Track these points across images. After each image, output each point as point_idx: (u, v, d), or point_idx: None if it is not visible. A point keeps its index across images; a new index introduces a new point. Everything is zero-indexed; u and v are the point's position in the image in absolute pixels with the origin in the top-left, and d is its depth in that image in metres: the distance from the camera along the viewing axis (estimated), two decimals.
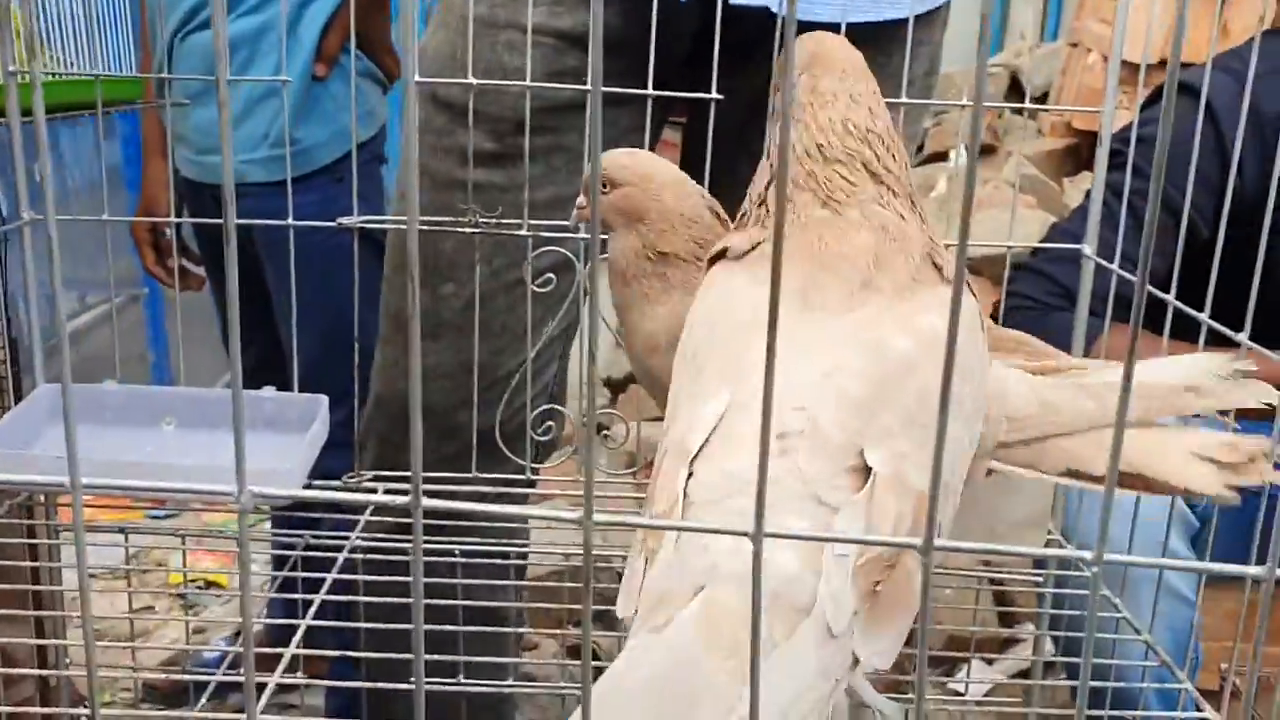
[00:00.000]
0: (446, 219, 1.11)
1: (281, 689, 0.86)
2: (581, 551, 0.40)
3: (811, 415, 0.62)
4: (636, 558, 0.61)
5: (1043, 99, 3.59)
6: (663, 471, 0.63)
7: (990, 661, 2.05)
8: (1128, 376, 0.42)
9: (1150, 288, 0.90)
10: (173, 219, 1.36)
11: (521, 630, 1.37)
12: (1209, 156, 1.37)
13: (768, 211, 0.76)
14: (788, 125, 0.37)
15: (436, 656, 0.98)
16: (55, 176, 2.35)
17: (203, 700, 0.91)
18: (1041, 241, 1.56)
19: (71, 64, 1.46)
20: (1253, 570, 0.42)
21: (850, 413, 0.62)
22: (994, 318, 1.56)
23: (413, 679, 0.97)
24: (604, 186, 0.96)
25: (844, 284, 0.68)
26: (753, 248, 0.74)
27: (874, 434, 0.62)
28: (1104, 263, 1.07)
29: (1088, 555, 0.43)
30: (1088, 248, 1.09)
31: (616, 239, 0.98)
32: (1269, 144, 1.41)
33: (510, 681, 1.15)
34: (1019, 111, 3.39)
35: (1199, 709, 0.89)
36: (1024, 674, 1.94)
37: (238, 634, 2.09)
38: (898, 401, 0.63)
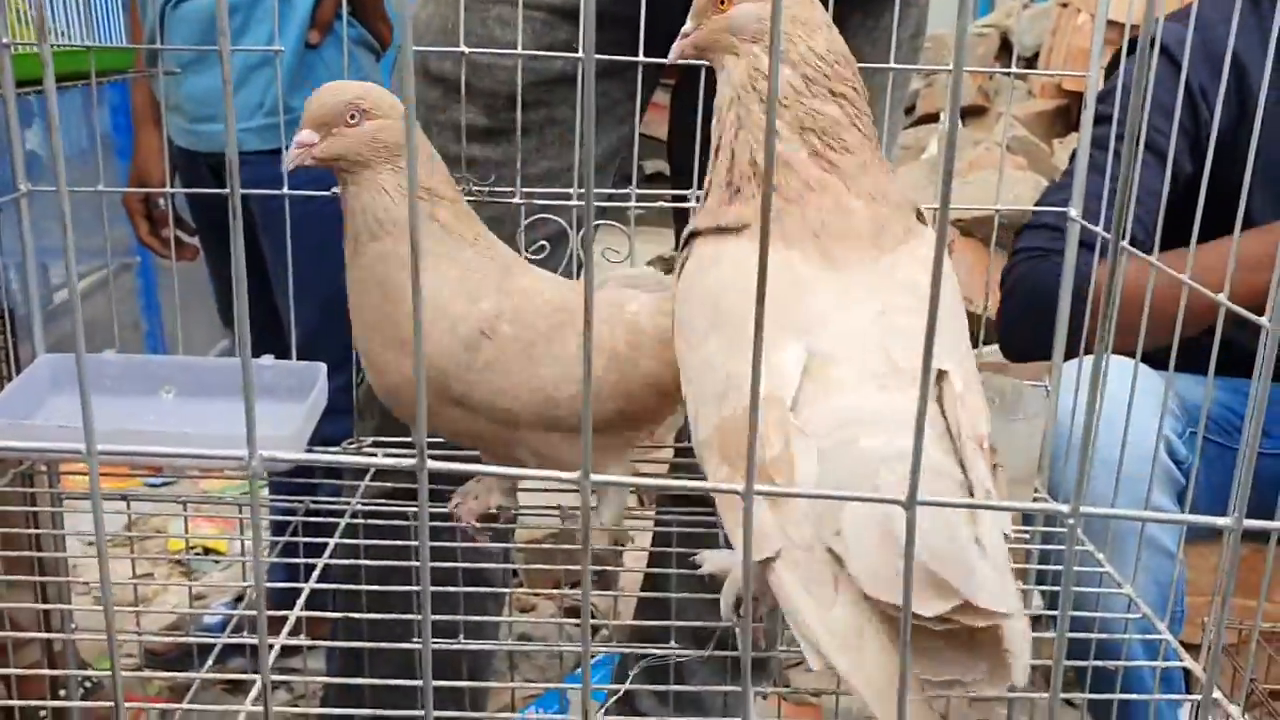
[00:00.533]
0: None
1: (284, 653, 0.88)
2: (579, 513, 0.42)
3: (888, 354, 0.70)
4: (757, 500, 0.65)
5: (1033, 59, 3.59)
6: (760, 421, 0.66)
7: None
8: (1110, 306, 0.44)
9: (1132, 249, 0.91)
10: (169, 190, 1.37)
11: (507, 590, 1.40)
12: (1175, 99, 1.40)
13: (756, 188, 0.79)
14: (774, 96, 0.38)
15: (437, 617, 1.00)
16: (44, 146, 2.35)
17: (208, 663, 0.93)
18: (1036, 203, 1.59)
19: (63, 34, 1.46)
20: (1221, 521, 0.44)
21: (916, 344, 0.68)
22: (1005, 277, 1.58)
23: (414, 639, 0.99)
24: (353, 117, 0.89)
25: (857, 249, 0.76)
26: (743, 225, 0.79)
27: (939, 356, 0.69)
28: (1089, 225, 1.09)
29: (1065, 509, 0.45)
30: (1073, 210, 1.10)
31: (369, 181, 0.90)
32: (1227, 83, 1.47)
33: (510, 641, 1.17)
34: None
35: (1180, 660, 0.91)
36: None
37: (238, 598, 2.12)
38: (941, 326, 0.70)
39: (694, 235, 0.83)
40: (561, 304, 0.95)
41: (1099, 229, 1.08)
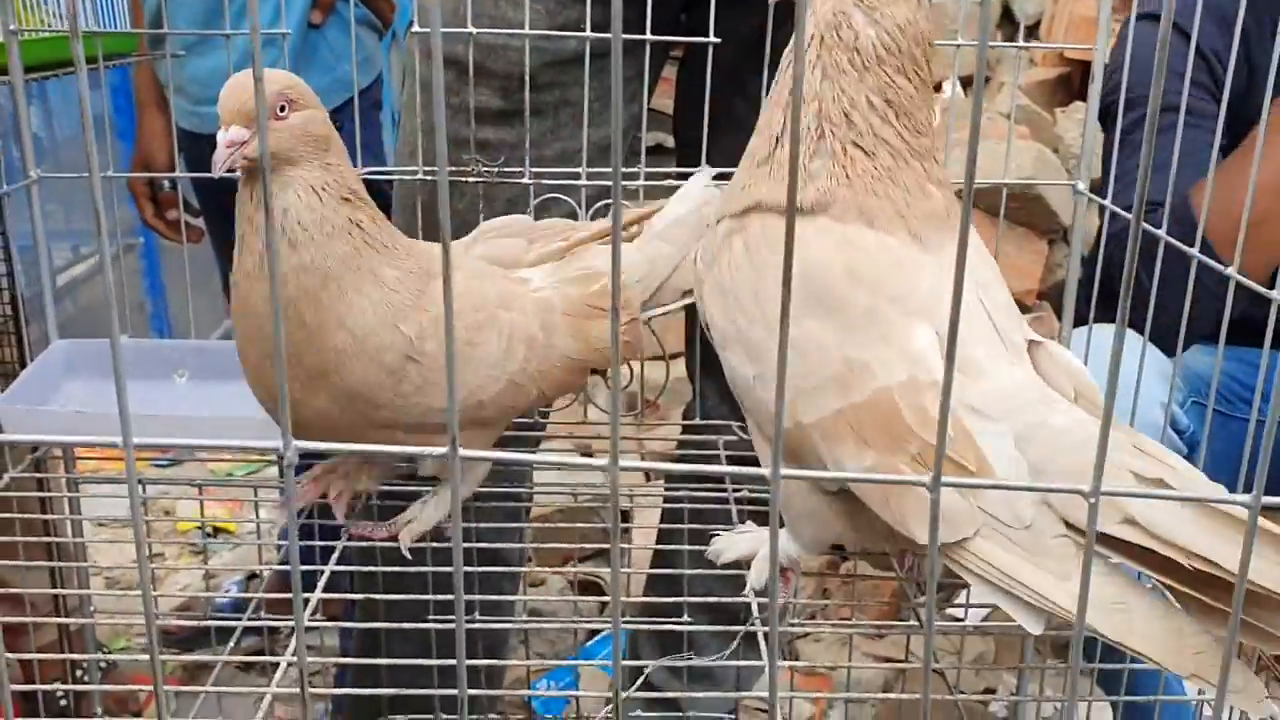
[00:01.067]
0: (451, 170, 1.12)
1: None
2: (589, 491, 0.43)
3: (998, 329, 0.75)
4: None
5: (1034, 27, 3.57)
6: (911, 407, 0.70)
7: None
8: (1128, 281, 0.44)
9: (1150, 228, 0.92)
10: (179, 174, 1.37)
11: (523, 570, 1.41)
12: (1195, 65, 1.40)
13: (844, 154, 0.77)
14: (799, 90, 0.39)
15: (447, 597, 1.01)
16: (45, 129, 2.35)
17: (230, 645, 0.95)
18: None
19: (65, 20, 1.46)
20: (1240, 498, 0.44)
21: (1009, 315, 0.77)
22: None
23: (428, 618, 1.00)
24: (281, 109, 0.80)
25: (937, 230, 0.77)
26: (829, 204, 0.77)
27: (1021, 323, 0.77)
28: (1095, 197, 1.10)
29: (1085, 489, 0.45)
30: (1080, 184, 1.11)
31: (296, 179, 0.81)
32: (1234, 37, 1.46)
33: (524, 617, 1.18)
34: (1012, 39, 3.37)
35: None
36: None
37: (250, 577, 2.13)
38: (1005, 299, 0.79)
39: (752, 208, 0.79)
40: (479, 302, 0.90)
41: (1105, 202, 1.09)
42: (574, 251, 0.98)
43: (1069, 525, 0.65)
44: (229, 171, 0.80)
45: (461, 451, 0.45)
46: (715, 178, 1.06)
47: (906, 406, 0.70)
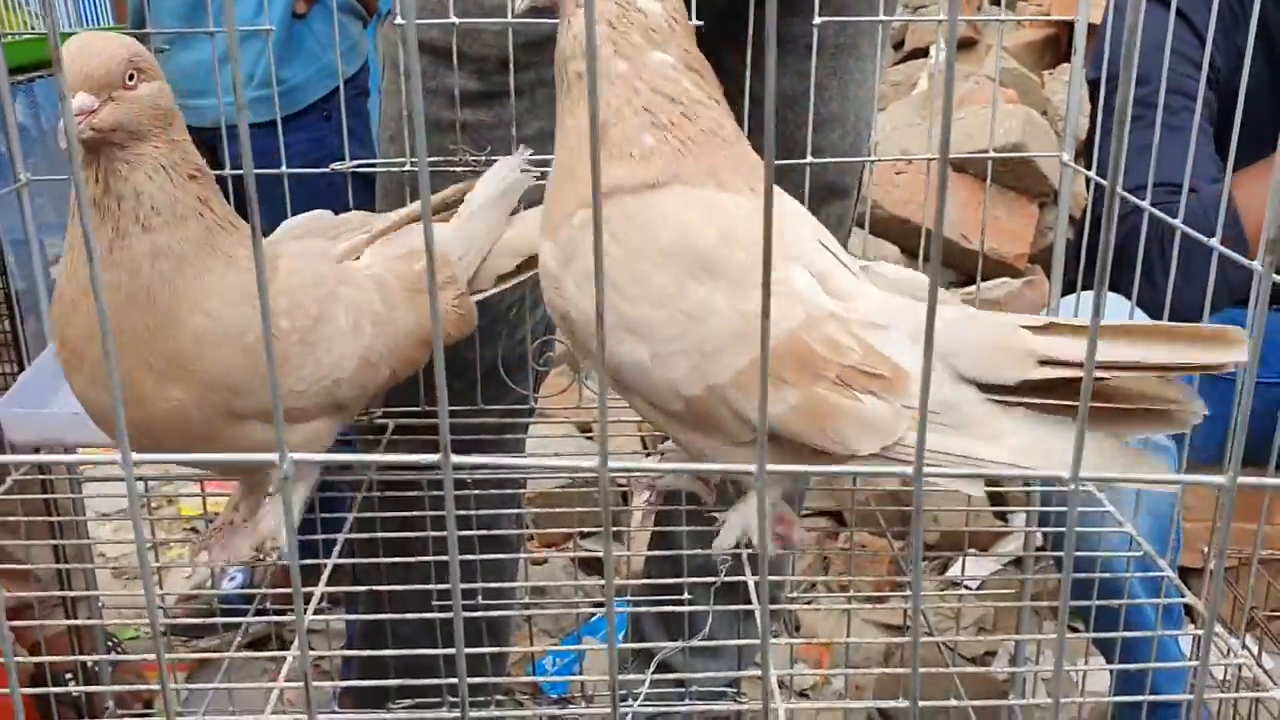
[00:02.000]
0: (437, 159, 1.13)
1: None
2: (585, 475, 0.43)
3: (840, 259, 0.82)
4: (867, 399, 0.76)
5: None
6: (819, 340, 0.76)
7: (984, 549, 2.12)
8: (1106, 251, 0.45)
9: (1128, 195, 0.92)
10: None
11: (523, 555, 1.42)
12: (1191, 47, 1.39)
13: (673, 125, 0.79)
14: (772, 69, 0.40)
15: (463, 585, 1.03)
16: (34, 126, 2.34)
17: (236, 639, 0.96)
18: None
19: (46, 20, 1.46)
20: (1216, 479, 0.45)
21: (841, 250, 0.83)
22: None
23: (432, 601, 1.01)
24: (130, 78, 0.74)
25: (757, 178, 0.81)
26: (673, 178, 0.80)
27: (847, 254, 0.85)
28: (1080, 169, 1.10)
29: (1065, 474, 0.46)
30: (1065, 155, 1.11)
31: (145, 157, 0.76)
32: (1227, 24, 1.45)
33: (526, 599, 1.20)
34: (996, 2, 3.36)
35: (1181, 595, 0.94)
36: (1015, 562, 2.01)
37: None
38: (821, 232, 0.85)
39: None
40: (318, 279, 0.87)
41: (1090, 174, 1.09)
42: (388, 236, 0.97)
43: (982, 387, 0.71)
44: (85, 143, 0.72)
45: (456, 458, 0.46)
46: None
47: (815, 341, 0.75)
